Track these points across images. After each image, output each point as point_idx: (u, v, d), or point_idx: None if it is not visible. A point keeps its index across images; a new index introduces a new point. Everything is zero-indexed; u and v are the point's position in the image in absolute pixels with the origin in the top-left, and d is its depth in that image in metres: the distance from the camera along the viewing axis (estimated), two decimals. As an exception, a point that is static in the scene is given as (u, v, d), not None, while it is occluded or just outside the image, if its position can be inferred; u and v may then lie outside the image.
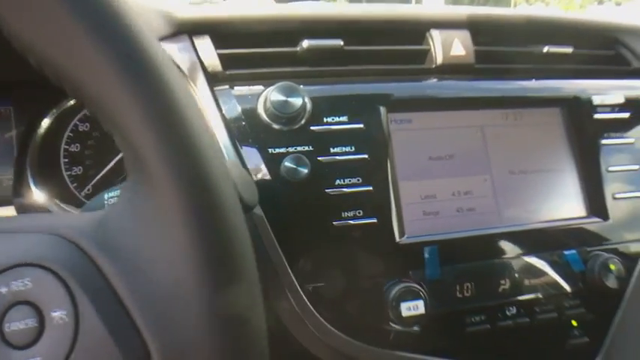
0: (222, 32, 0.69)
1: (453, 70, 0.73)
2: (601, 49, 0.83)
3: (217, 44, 0.68)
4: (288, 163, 0.60)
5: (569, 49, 0.78)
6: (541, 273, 0.66)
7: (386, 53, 0.72)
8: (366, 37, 0.72)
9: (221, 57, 0.67)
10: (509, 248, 0.66)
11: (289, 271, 0.60)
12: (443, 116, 0.69)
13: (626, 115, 0.75)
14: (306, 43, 0.68)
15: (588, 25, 0.83)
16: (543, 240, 0.68)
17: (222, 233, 0.29)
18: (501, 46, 0.76)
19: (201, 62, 0.66)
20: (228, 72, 0.67)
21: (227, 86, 0.66)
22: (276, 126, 0.62)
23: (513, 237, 0.67)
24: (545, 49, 0.77)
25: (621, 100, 0.75)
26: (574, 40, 0.80)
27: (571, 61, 0.79)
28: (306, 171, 0.59)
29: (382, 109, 0.66)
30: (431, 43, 0.73)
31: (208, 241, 0.28)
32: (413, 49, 0.73)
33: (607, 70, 0.82)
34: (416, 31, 0.74)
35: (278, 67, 0.68)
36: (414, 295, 0.59)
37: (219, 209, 0.29)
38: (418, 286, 0.60)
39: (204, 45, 0.67)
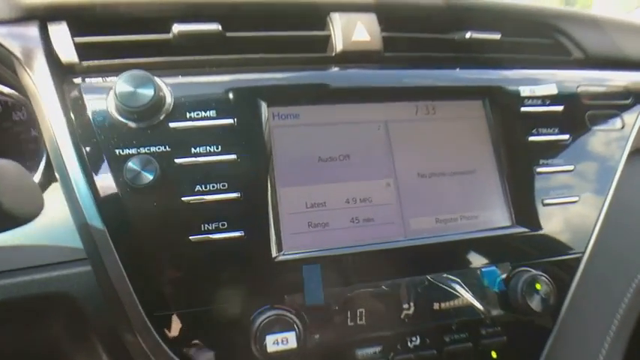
0: (82, 18, 0.59)
1: (357, 58, 0.62)
2: (538, 37, 0.73)
3: (75, 31, 0.58)
4: (131, 166, 0.49)
5: (496, 36, 0.68)
6: (453, 295, 0.56)
7: (277, 40, 0.62)
8: (252, 21, 0.62)
9: (78, 46, 0.57)
10: (415, 266, 0.56)
11: (135, 297, 0.49)
12: (338, 110, 0.58)
13: (559, 108, 0.65)
14: (177, 28, 0.58)
15: (522, 11, 0.73)
16: (457, 255, 0.57)
17: None
18: (415, 32, 0.66)
19: (54, 52, 0.57)
20: (85, 63, 0.57)
21: (80, 79, 0.56)
22: (130, 123, 0.52)
23: (420, 252, 0.56)
24: (468, 35, 0.67)
25: (554, 92, 0.65)
26: (504, 26, 0.70)
27: (500, 49, 0.69)
28: (151, 177, 0.49)
29: (262, 103, 0.56)
30: (331, 27, 0.63)
31: None
32: (309, 35, 0.63)
33: (544, 60, 0.72)
34: (314, 14, 0.64)
35: (145, 57, 0.58)
36: (283, 326, 0.48)
37: None
38: (291, 315, 0.49)
39: (59, 32, 0.57)
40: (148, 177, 0.49)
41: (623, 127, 0.68)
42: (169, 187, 0.51)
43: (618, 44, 0.77)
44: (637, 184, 0.69)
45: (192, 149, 0.52)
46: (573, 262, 0.61)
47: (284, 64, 0.61)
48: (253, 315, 0.50)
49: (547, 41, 0.73)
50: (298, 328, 0.48)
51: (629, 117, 0.69)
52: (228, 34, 0.60)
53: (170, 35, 0.59)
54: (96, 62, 0.57)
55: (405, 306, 0.54)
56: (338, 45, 0.62)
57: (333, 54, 0.62)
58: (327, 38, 0.63)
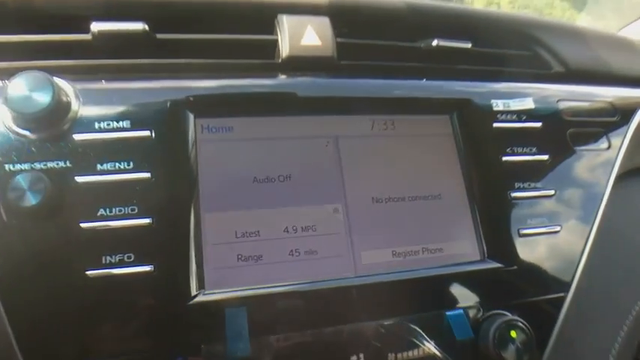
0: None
1: (306, 65, 0.55)
2: (514, 49, 0.66)
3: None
4: (17, 184, 0.41)
5: (466, 45, 0.61)
6: (411, 344, 0.46)
7: (217, 45, 0.54)
8: (188, 23, 0.54)
9: (-19, 46, 0.49)
10: (366, 308, 0.47)
11: (16, 348, 0.40)
12: (280, 123, 0.50)
13: (536, 125, 0.57)
14: (96, 27, 0.50)
15: (496, 20, 0.66)
16: (417, 296, 0.48)
17: None
18: (375, 39, 0.59)
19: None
20: (-12, 65, 0.49)
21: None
22: (26, 133, 0.44)
23: (373, 292, 0.47)
24: (435, 42, 0.60)
25: (530, 106, 0.58)
26: (475, 35, 0.63)
27: (471, 60, 0.62)
28: (34, 200, 0.40)
29: (188, 113, 0.48)
30: (278, 31, 0.55)
31: None
32: (252, 38, 0.55)
33: (520, 73, 0.64)
34: (259, 16, 0.56)
35: (59, 60, 0.50)
36: (195, 385, 0.39)
37: None
38: (206, 370, 0.40)
39: (-39, 31, 0.49)
40: (31, 199, 0.40)
41: (609, 147, 0.60)
42: (66, 211, 0.42)
43: (603, 58, 0.70)
44: (626, 210, 0.61)
45: (99, 166, 0.44)
46: (556, 302, 0.52)
47: (220, 71, 0.53)
48: (161, 370, 0.40)
49: (524, 53, 0.66)
50: (214, 387, 0.39)
51: (615, 136, 0.61)
52: (159, 35, 0.53)
53: (89, 36, 0.51)
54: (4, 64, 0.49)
55: (354, 358, 0.45)
56: (284, 50, 0.54)
57: (279, 60, 0.55)
58: (274, 43, 0.55)
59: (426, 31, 0.61)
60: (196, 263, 0.44)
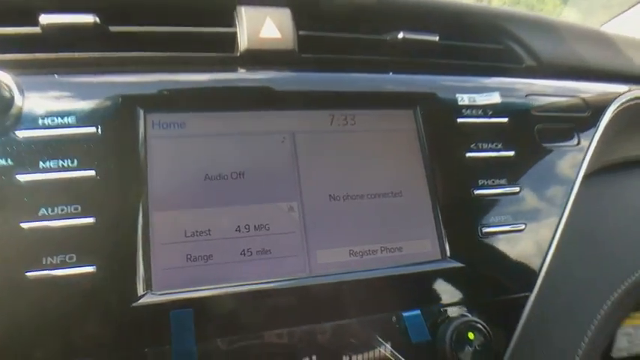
0: None
1: (266, 58, 0.53)
2: (484, 42, 0.65)
3: None
4: (-50, 184, 0.39)
5: (433, 38, 0.59)
6: (366, 346, 0.45)
7: (174, 38, 0.53)
8: (143, 15, 0.53)
9: None
10: (320, 309, 0.45)
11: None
12: (234, 118, 0.49)
13: (503, 120, 0.56)
14: (44, 20, 0.49)
15: (468, 13, 0.65)
16: (373, 296, 0.47)
17: None
18: (339, 31, 0.57)
19: None
20: None
21: None
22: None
23: (327, 292, 0.46)
24: (401, 35, 0.58)
25: (497, 100, 0.56)
26: (444, 27, 0.61)
27: (439, 53, 0.60)
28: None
29: (138, 108, 0.46)
30: (236, 23, 0.54)
31: None
32: (209, 31, 0.53)
33: (490, 67, 0.63)
34: (218, 8, 0.55)
35: (4, 54, 0.49)
36: (134, 391, 0.38)
37: None
38: (148, 376, 0.39)
39: None
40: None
41: (578, 144, 0.59)
42: (5, 210, 0.41)
43: (578, 53, 0.69)
44: (594, 209, 0.60)
45: (42, 163, 0.43)
46: (518, 302, 0.51)
47: (174, 65, 0.51)
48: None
49: (495, 46, 0.65)
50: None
51: (585, 132, 0.60)
52: (112, 28, 0.51)
53: (38, 29, 0.49)
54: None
55: (306, 360, 0.44)
56: (242, 43, 0.53)
57: (238, 54, 0.53)
58: (233, 36, 0.54)
59: (392, 23, 0.59)
60: (143, 263, 0.42)
